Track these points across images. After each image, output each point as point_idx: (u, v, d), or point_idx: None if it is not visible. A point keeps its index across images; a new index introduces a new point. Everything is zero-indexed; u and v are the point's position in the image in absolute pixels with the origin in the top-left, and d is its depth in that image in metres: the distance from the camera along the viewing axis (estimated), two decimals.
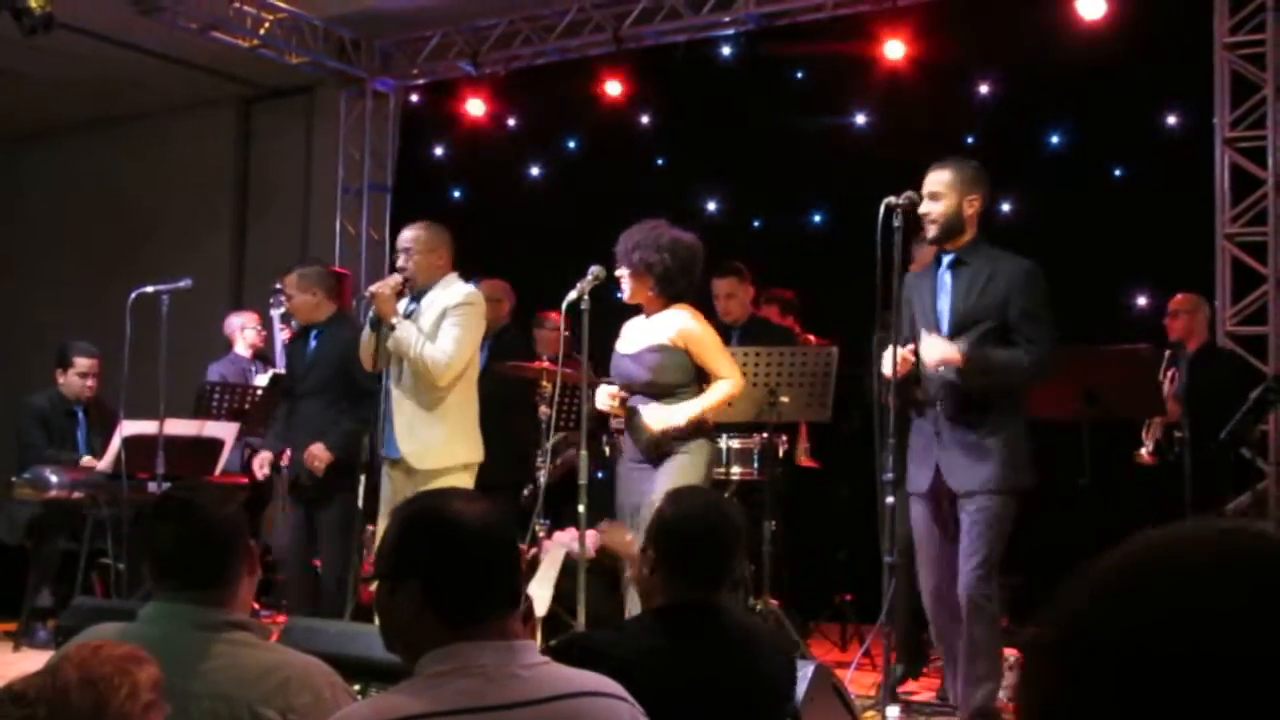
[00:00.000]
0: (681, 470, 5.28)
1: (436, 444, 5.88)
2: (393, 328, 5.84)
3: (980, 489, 4.80)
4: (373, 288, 6.01)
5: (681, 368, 5.44)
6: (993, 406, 4.84)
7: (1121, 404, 6.34)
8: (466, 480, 5.86)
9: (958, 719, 4.99)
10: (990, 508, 4.80)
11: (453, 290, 5.97)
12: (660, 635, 2.91)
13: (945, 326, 4.86)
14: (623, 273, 5.47)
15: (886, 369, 4.84)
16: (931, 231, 4.91)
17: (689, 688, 2.83)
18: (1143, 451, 6.76)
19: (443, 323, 5.86)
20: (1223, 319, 7.28)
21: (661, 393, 5.41)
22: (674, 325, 5.48)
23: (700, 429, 5.41)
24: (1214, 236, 7.39)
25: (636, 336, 5.54)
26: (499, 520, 2.25)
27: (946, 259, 4.93)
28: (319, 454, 6.38)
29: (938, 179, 4.93)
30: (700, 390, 5.44)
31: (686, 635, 2.91)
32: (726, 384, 5.46)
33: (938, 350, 4.79)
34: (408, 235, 6.07)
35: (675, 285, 5.48)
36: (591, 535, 5.41)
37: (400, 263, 6.01)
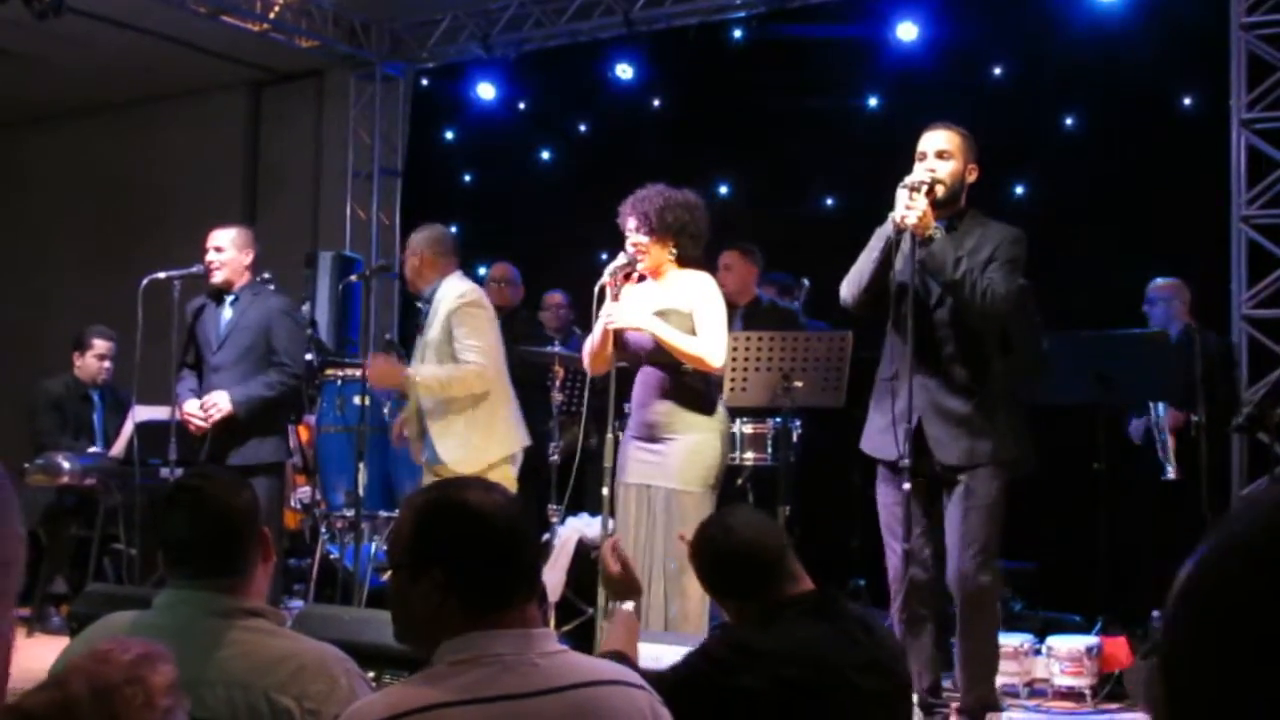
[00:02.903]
0: (691, 454, 5.11)
1: (475, 444, 5.89)
2: (403, 396, 6.05)
3: (970, 464, 4.70)
4: (372, 381, 6.24)
5: (690, 334, 5.17)
6: (985, 380, 4.76)
7: (1135, 389, 6.31)
8: (507, 474, 5.86)
9: (953, 706, 4.96)
10: (983, 487, 4.70)
11: (449, 292, 5.98)
12: (794, 624, 2.90)
13: (933, 294, 4.78)
14: (641, 239, 5.19)
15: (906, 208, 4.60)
16: (939, 192, 4.72)
17: (840, 664, 2.84)
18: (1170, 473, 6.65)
19: (453, 332, 5.85)
20: (1239, 302, 7.23)
21: (676, 365, 5.17)
22: (692, 288, 5.23)
23: (704, 411, 5.21)
24: (1230, 219, 7.33)
25: (645, 300, 5.25)
26: (517, 507, 2.24)
27: (940, 226, 4.82)
28: (219, 402, 6.25)
29: (947, 138, 4.81)
30: (698, 376, 5.24)
31: (816, 620, 2.92)
32: (704, 347, 5.13)
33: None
34: (411, 240, 6.23)
35: (699, 246, 5.31)
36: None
37: (404, 260, 6.21)
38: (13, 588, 0.85)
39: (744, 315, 7.26)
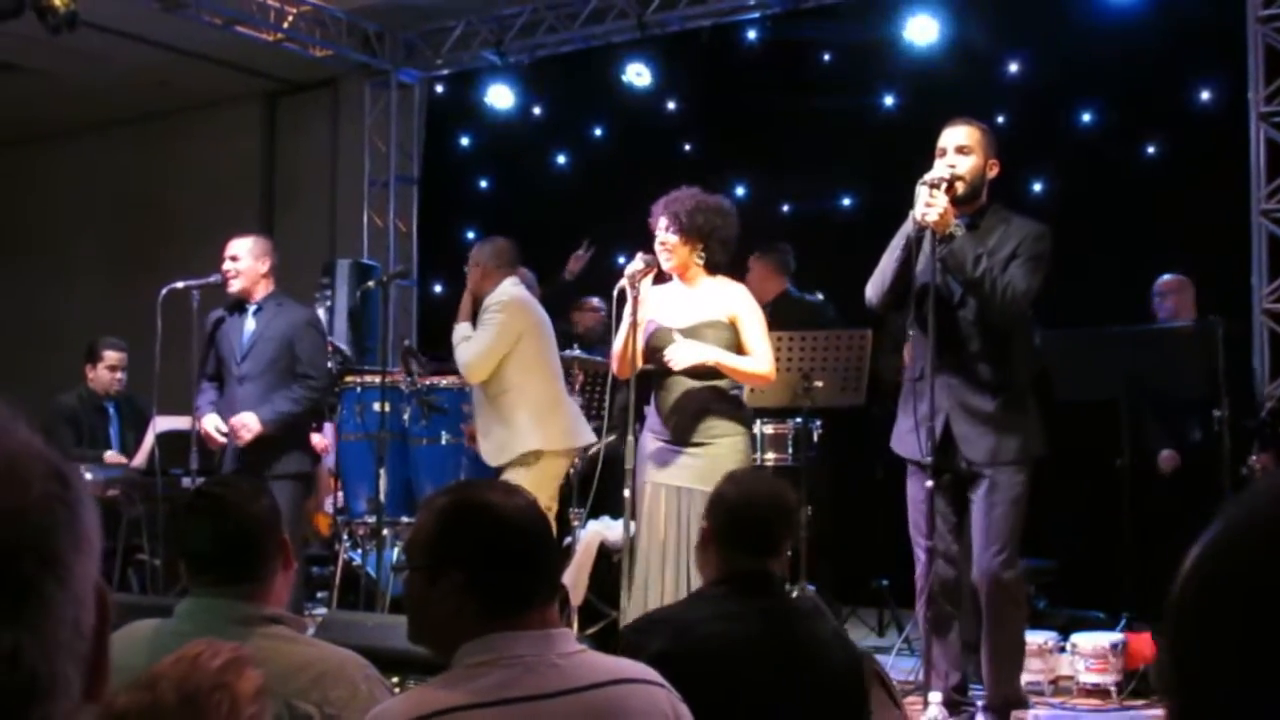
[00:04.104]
0: (730, 457, 5.08)
1: (501, 438, 6.01)
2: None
3: (1001, 461, 4.69)
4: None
5: (731, 347, 5.19)
6: (1010, 377, 4.74)
7: (1160, 383, 6.28)
8: (534, 467, 5.95)
9: (978, 704, 4.93)
10: (1011, 483, 4.69)
11: (492, 297, 6.17)
12: (722, 600, 3.02)
13: (955, 292, 4.76)
14: (670, 238, 5.19)
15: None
16: (959, 189, 4.70)
17: (754, 648, 2.91)
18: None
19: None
20: (1259, 297, 7.19)
21: (708, 373, 5.17)
22: (730, 300, 5.25)
23: (735, 417, 5.23)
24: (1249, 213, 7.29)
25: (681, 309, 5.24)
26: (537, 509, 2.23)
27: (961, 223, 4.77)
28: (248, 423, 6.20)
29: (967, 134, 4.78)
30: (725, 381, 5.23)
31: (747, 598, 3.01)
32: (761, 364, 5.21)
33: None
34: (473, 250, 6.47)
35: (727, 252, 5.31)
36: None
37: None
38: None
39: (770, 312, 7.24)
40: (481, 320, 6.11)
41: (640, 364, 5.25)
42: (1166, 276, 7.00)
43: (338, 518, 7.52)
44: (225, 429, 6.31)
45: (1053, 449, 4.90)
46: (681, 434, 5.18)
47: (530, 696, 2.04)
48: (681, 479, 5.13)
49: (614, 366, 5.37)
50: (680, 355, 5.10)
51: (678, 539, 5.10)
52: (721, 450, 5.14)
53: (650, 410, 5.32)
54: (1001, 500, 4.69)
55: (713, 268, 5.30)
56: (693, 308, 5.24)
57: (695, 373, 5.17)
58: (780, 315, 7.11)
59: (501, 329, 6.06)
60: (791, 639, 2.99)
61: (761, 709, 2.86)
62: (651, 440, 5.25)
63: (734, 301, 5.27)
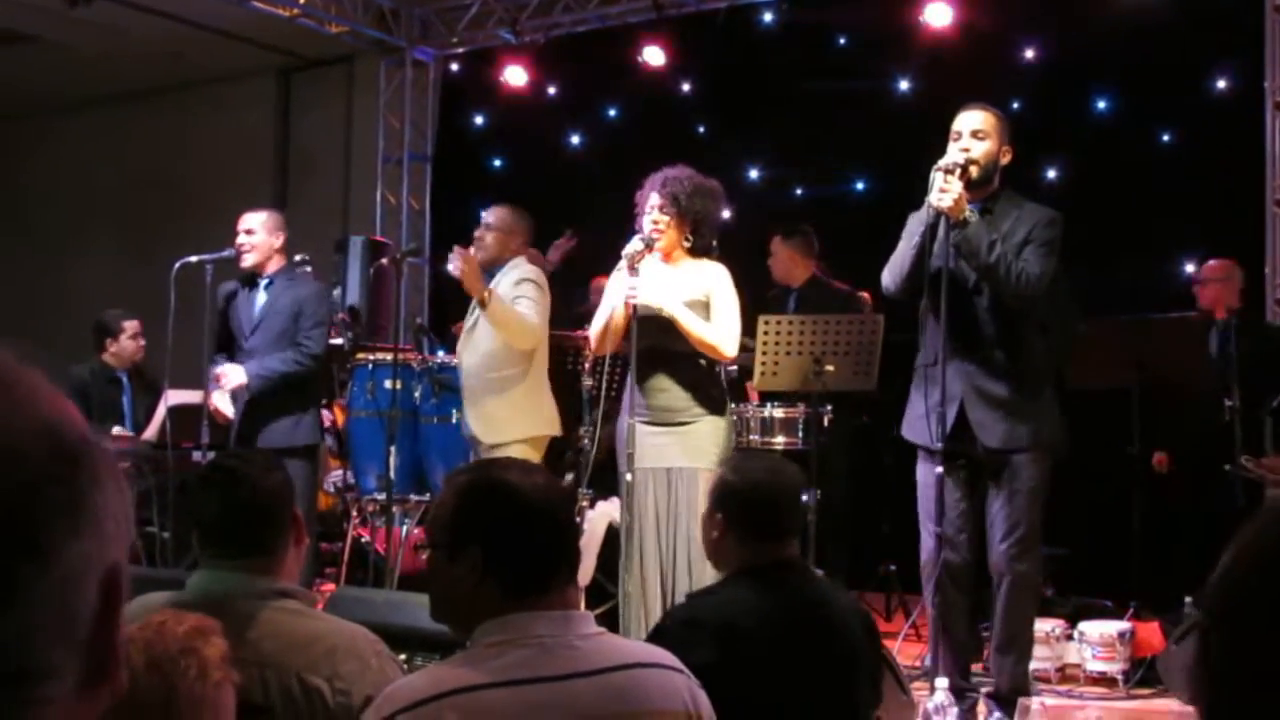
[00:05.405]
0: (711, 435, 5.09)
1: (498, 417, 5.90)
2: (484, 303, 5.80)
3: (1013, 447, 4.68)
4: (452, 269, 5.87)
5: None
6: (1025, 363, 4.74)
7: (1171, 373, 6.26)
8: (529, 453, 5.82)
9: (983, 690, 4.93)
10: (1031, 470, 4.69)
11: (521, 269, 5.99)
12: (754, 593, 2.99)
13: (970, 277, 4.74)
14: (664, 218, 5.14)
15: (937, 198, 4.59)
16: (973, 173, 4.68)
17: (789, 640, 2.91)
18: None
19: (516, 297, 5.87)
20: (1273, 286, 7.17)
21: (688, 352, 5.14)
22: (708, 279, 5.21)
23: (715, 395, 5.20)
24: (1265, 202, 7.27)
25: (662, 288, 5.16)
26: (557, 489, 2.23)
27: (975, 208, 4.74)
28: (232, 374, 6.19)
29: (983, 119, 4.76)
30: (706, 361, 5.23)
31: (777, 589, 3.00)
32: (719, 336, 5.12)
33: None
34: (488, 213, 6.16)
35: (714, 236, 5.29)
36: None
37: (477, 234, 6.10)
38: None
39: (798, 296, 7.22)
40: (521, 290, 5.91)
41: (619, 344, 5.24)
42: (1211, 262, 6.91)
43: (347, 494, 7.53)
44: (233, 406, 6.33)
45: (1064, 437, 4.89)
46: (661, 414, 5.16)
47: (547, 678, 2.04)
48: (666, 460, 5.12)
49: (593, 343, 5.38)
50: (643, 291, 5.04)
51: (668, 519, 5.09)
52: (703, 428, 5.12)
53: (631, 390, 5.25)
54: (1018, 488, 4.68)
55: (696, 250, 5.28)
56: (674, 287, 5.19)
57: (674, 352, 5.15)
58: (812, 300, 7.08)
59: (545, 301, 5.95)
60: (822, 622, 3.01)
61: (805, 696, 2.88)
62: (634, 422, 5.19)
63: (711, 280, 5.22)
